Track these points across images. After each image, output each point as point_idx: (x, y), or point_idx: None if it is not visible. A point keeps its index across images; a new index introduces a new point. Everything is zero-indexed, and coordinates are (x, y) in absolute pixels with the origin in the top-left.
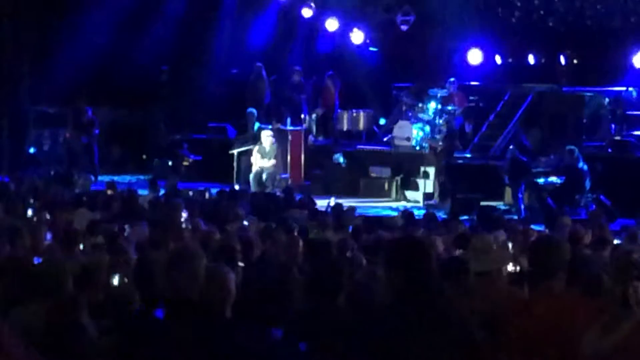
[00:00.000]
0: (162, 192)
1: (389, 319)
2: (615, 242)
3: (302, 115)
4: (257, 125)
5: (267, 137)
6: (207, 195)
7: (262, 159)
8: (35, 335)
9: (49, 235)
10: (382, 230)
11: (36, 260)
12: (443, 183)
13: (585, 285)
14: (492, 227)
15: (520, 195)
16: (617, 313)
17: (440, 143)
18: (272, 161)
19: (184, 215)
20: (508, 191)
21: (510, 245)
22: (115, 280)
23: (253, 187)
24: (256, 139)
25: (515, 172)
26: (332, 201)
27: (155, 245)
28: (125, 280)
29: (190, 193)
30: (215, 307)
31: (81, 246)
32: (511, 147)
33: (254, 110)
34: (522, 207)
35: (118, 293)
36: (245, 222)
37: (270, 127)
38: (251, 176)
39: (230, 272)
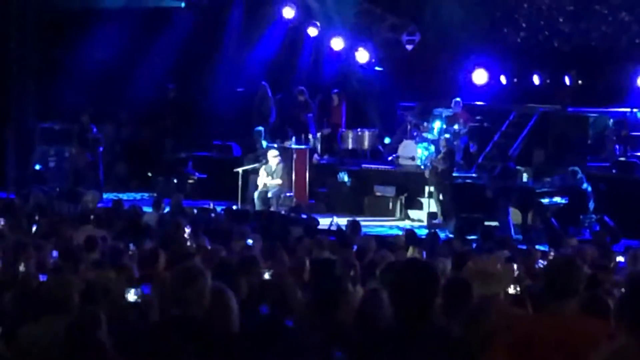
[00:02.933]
0: (166, 210)
1: (391, 341)
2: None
3: (310, 134)
4: (264, 143)
5: (273, 156)
6: (212, 213)
7: (267, 177)
8: (47, 352)
9: (54, 252)
10: (385, 250)
11: (42, 278)
12: (446, 202)
13: (591, 306)
14: (496, 247)
15: (508, 216)
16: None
17: (442, 163)
18: (278, 180)
19: (188, 232)
20: (514, 211)
21: (514, 266)
22: (131, 296)
23: (257, 206)
24: (264, 157)
25: (504, 194)
26: (334, 220)
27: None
28: (139, 296)
29: (195, 211)
30: (221, 325)
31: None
32: (497, 169)
33: (262, 129)
34: (511, 226)
35: (132, 309)
36: (250, 241)
37: (275, 145)
38: (256, 194)
39: (229, 290)
